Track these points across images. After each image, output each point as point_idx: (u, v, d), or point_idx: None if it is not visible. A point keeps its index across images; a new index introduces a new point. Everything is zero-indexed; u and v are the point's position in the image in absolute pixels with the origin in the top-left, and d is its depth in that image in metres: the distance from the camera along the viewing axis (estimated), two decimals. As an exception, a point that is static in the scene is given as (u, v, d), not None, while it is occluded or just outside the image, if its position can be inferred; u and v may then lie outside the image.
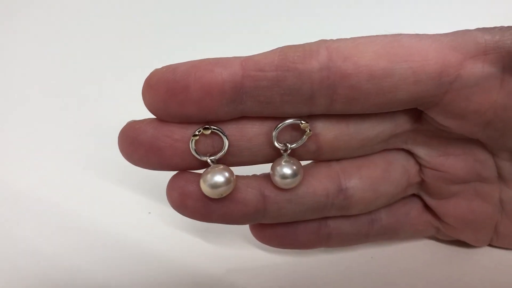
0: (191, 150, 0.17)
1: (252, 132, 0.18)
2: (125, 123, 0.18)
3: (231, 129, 0.18)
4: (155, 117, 0.18)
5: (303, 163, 0.20)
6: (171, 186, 0.18)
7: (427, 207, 0.22)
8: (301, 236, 0.21)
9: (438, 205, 0.21)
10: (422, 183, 0.21)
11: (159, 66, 0.17)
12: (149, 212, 0.25)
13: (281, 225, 0.21)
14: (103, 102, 0.32)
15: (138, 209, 0.25)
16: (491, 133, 0.18)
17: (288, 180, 0.18)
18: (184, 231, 0.24)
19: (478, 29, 0.17)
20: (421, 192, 0.22)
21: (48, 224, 0.24)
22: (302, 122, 0.17)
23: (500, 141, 0.18)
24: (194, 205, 0.18)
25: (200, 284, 0.21)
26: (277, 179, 0.18)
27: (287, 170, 0.18)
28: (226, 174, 0.18)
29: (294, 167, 0.18)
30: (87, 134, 0.30)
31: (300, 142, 0.18)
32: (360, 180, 0.20)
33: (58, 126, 0.31)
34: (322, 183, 0.19)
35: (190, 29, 0.37)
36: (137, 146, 0.18)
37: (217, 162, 0.18)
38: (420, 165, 0.21)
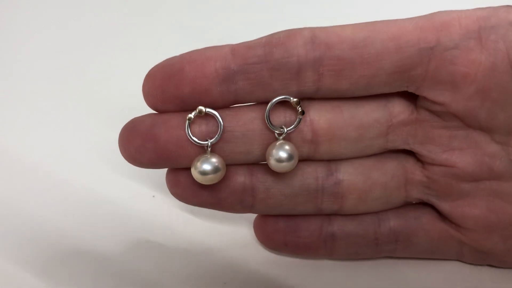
0: (186, 133, 0.18)
1: (247, 117, 0.19)
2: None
3: (226, 115, 0.18)
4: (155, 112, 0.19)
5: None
6: (167, 175, 0.20)
7: (442, 217, 0.21)
8: (303, 232, 0.20)
9: (453, 207, 0.20)
10: (430, 184, 0.20)
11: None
12: (153, 196, 0.25)
13: (282, 218, 0.20)
14: (110, 82, 0.32)
15: (142, 192, 0.25)
16: (490, 107, 0.17)
17: (283, 164, 0.18)
18: (189, 214, 0.24)
19: None
20: (431, 197, 0.20)
21: (50, 203, 0.24)
22: (292, 98, 0.18)
23: (502, 117, 0.18)
24: (185, 181, 0.19)
25: (204, 267, 0.21)
26: (272, 162, 0.18)
27: (282, 153, 0.18)
28: (214, 161, 0.18)
29: (289, 150, 0.18)
30: (92, 115, 0.29)
31: (294, 125, 0.18)
32: (351, 165, 0.20)
33: (64, 106, 0.30)
34: (310, 165, 0.20)
35: (197, 13, 0.38)
36: (134, 135, 0.18)
37: (212, 146, 0.18)
38: (423, 163, 0.20)
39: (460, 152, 0.19)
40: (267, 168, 0.19)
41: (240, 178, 0.19)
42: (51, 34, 0.36)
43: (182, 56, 0.18)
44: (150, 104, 0.19)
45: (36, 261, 0.21)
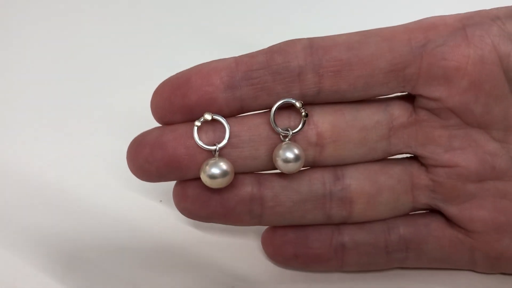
0: (194, 139, 0.18)
1: (253, 122, 0.19)
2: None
3: (233, 122, 0.19)
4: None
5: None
6: (174, 190, 0.20)
7: (450, 223, 0.20)
8: (313, 243, 0.20)
9: (460, 211, 0.20)
10: (436, 188, 0.20)
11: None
12: (160, 200, 0.25)
13: (291, 229, 0.21)
14: (117, 89, 0.32)
15: (149, 197, 0.25)
16: (484, 100, 0.18)
17: (290, 164, 0.18)
18: (194, 224, 0.23)
19: None
20: (438, 202, 0.20)
21: (56, 209, 0.24)
22: (296, 101, 0.19)
23: (497, 111, 0.18)
24: (193, 193, 0.19)
25: (210, 278, 0.21)
26: (279, 163, 0.19)
27: (289, 154, 0.18)
28: (223, 165, 0.18)
29: (296, 151, 0.18)
30: (99, 121, 0.29)
31: (299, 127, 0.19)
32: (356, 170, 0.20)
33: (70, 112, 0.30)
34: (317, 171, 0.20)
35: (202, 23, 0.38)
36: (143, 146, 0.19)
37: (220, 152, 0.19)
38: (427, 167, 0.20)
39: (461, 152, 0.19)
40: (274, 176, 0.20)
41: (248, 187, 0.20)
42: (59, 43, 0.36)
43: (188, 69, 0.19)
44: (158, 117, 0.19)
45: (38, 271, 0.21)
